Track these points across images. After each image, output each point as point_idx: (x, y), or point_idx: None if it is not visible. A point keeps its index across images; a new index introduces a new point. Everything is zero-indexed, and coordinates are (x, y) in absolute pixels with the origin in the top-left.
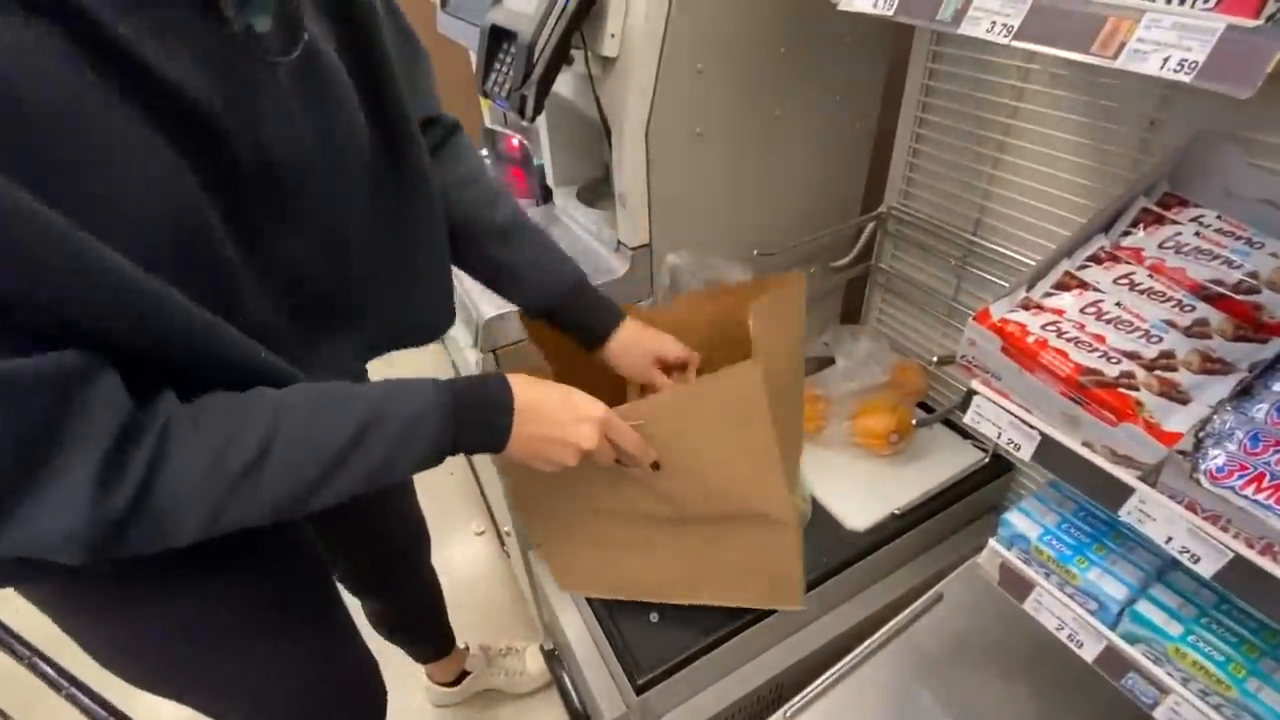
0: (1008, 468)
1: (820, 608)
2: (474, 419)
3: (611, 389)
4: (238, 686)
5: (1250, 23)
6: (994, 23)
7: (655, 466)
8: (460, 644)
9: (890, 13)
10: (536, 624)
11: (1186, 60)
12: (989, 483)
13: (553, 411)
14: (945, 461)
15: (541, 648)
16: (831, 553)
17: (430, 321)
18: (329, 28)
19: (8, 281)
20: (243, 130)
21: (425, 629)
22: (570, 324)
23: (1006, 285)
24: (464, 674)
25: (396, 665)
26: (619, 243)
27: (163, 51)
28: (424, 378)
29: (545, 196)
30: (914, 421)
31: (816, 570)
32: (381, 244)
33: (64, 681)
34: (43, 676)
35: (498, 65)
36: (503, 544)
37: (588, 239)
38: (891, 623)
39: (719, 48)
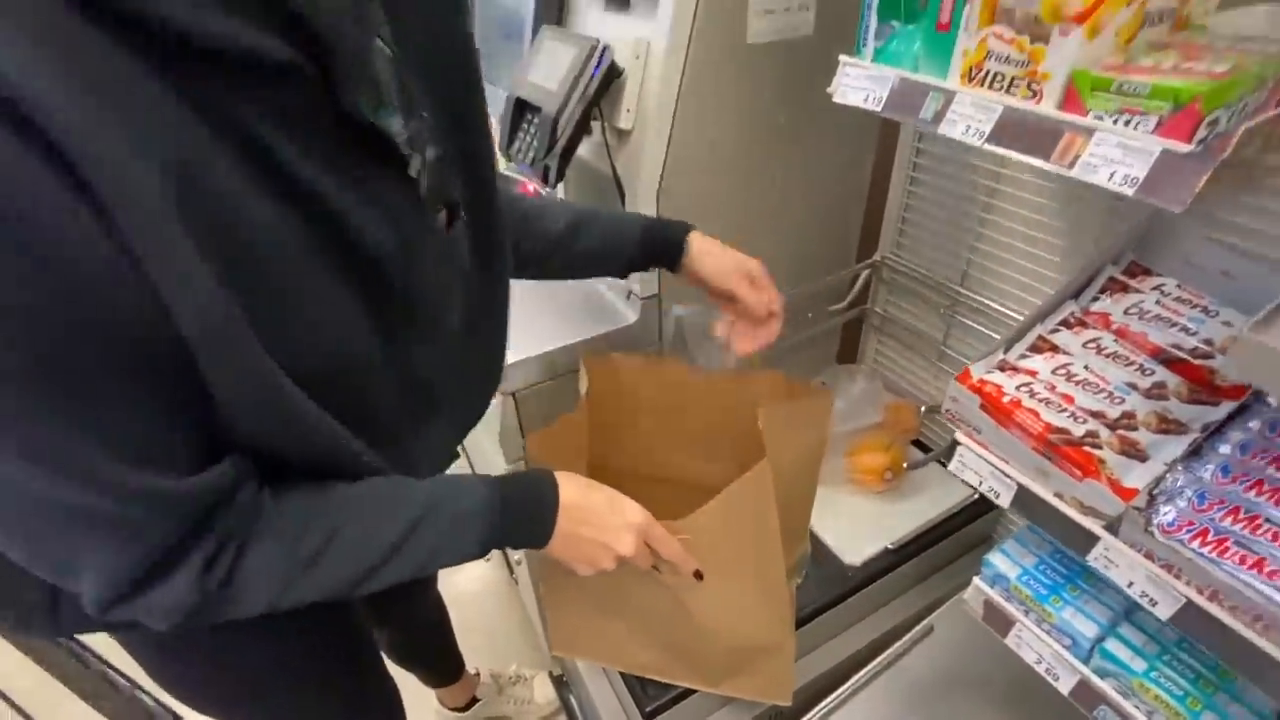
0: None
1: (818, 640)
2: (520, 517)
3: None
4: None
5: (1184, 147)
6: (968, 126)
7: (698, 576)
8: (471, 669)
9: (879, 109)
10: (544, 649)
11: (1129, 176)
12: (978, 518)
13: (597, 515)
14: (937, 497)
15: (550, 674)
16: (828, 587)
17: (486, 405)
18: (447, 142)
19: (212, 400)
20: (407, 272)
21: (436, 654)
22: (653, 260)
23: (992, 333)
24: (474, 700)
25: (409, 692)
26: (630, 292)
27: (359, 206)
28: (475, 476)
29: None
30: (905, 465)
31: (815, 604)
32: (474, 335)
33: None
34: (112, 684)
35: (521, 134)
36: (511, 571)
37: (600, 287)
38: (885, 654)
39: (724, 120)
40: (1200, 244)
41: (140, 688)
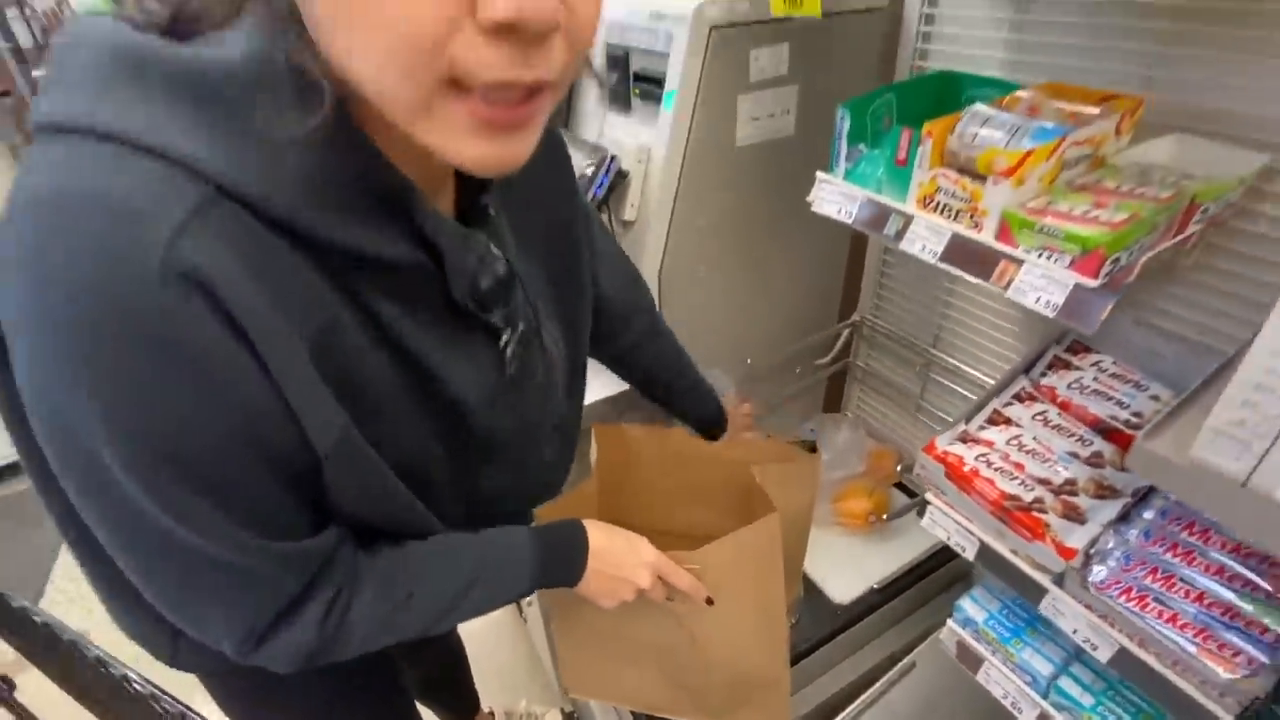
0: None
1: (811, 675)
2: (558, 561)
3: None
4: None
5: (1092, 283)
6: (924, 246)
7: (710, 602)
8: (485, 708)
9: (850, 222)
10: (554, 687)
11: (1051, 301)
12: (956, 557)
13: (620, 555)
14: (918, 538)
15: (561, 711)
16: (819, 625)
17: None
18: (544, 268)
19: (345, 494)
20: (488, 420)
21: (455, 691)
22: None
23: (963, 390)
24: None
25: None
26: None
27: (451, 363)
28: (519, 528)
29: None
30: (884, 517)
31: (808, 642)
32: (550, 462)
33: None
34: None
35: None
36: (520, 610)
37: None
38: (871, 689)
39: (716, 211)
40: (1131, 327)
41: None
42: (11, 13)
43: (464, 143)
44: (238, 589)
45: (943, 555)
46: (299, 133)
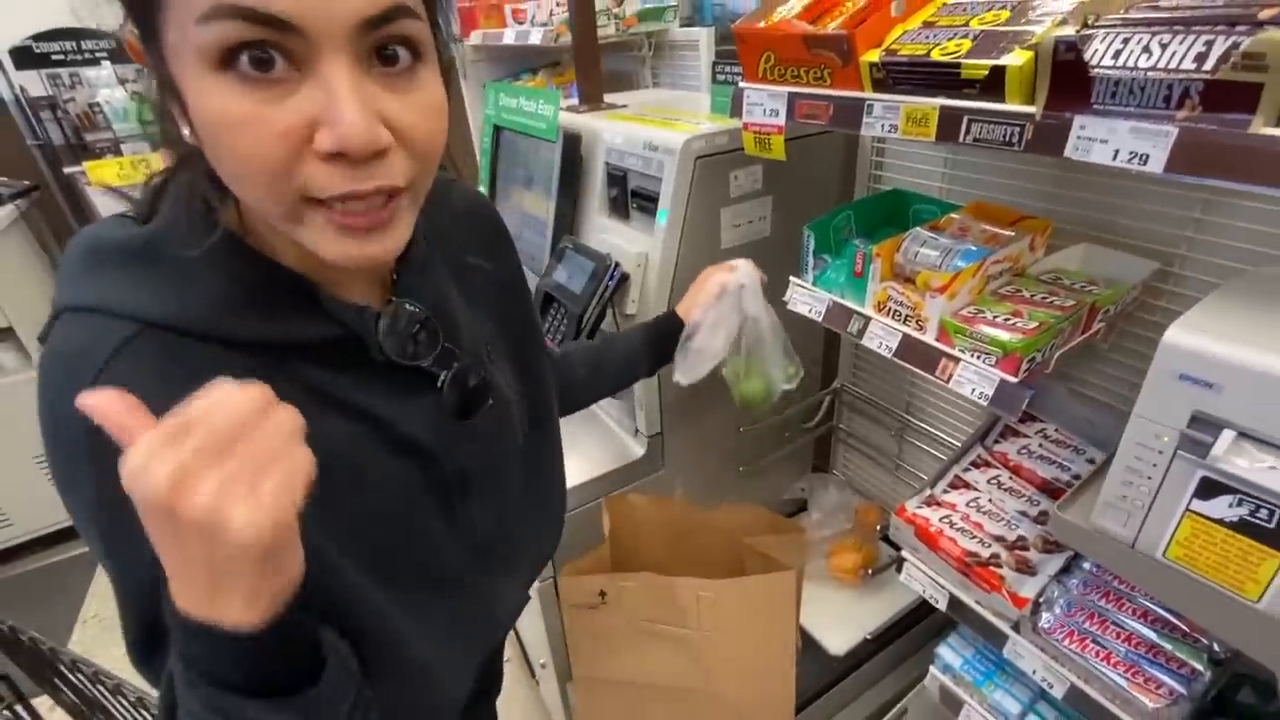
0: None
1: None
2: None
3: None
4: None
5: (1013, 379)
6: (881, 343)
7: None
8: None
9: (820, 320)
10: None
11: (983, 393)
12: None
13: None
14: (906, 589)
15: None
16: (817, 677)
17: (555, 543)
18: (494, 317)
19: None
20: (450, 454)
21: None
22: (667, 354)
23: (935, 451)
24: None
25: None
26: (637, 430)
27: (402, 413)
28: None
29: None
30: (869, 571)
31: (807, 693)
32: (531, 493)
33: None
34: None
35: (549, 318)
36: (533, 674)
37: (613, 425)
38: None
39: None
40: (1067, 397)
41: None
42: (46, 114)
43: (331, 244)
44: None
45: (928, 605)
46: (200, 252)
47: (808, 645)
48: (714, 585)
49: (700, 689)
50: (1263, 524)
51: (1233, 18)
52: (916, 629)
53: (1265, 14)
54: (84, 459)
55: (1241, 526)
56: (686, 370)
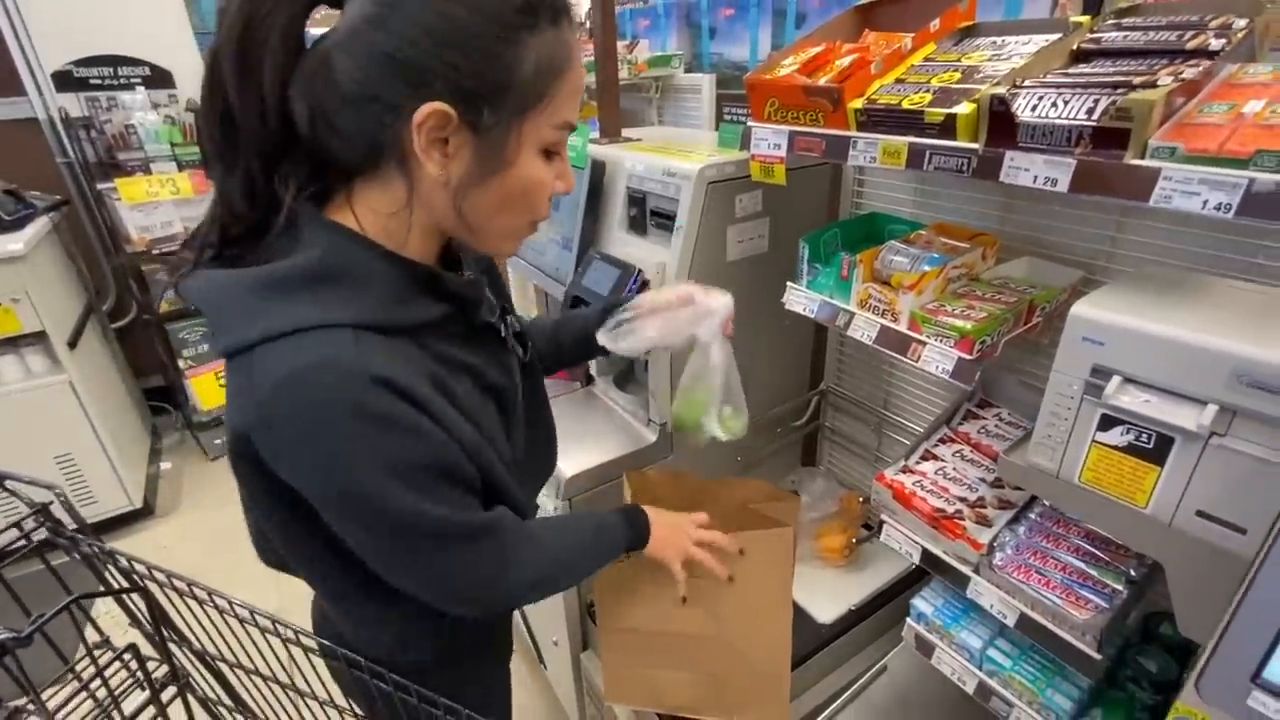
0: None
1: (805, 684)
2: (635, 525)
3: None
4: None
5: (968, 356)
6: (863, 333)
7: (731, 579)
8: None
9: (813, 315)
10: None
11: (944, 369)
12: (917, 582)
13: (670, 518)
14: (884, 569)
15: None
16: (806, 641)
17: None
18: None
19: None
20: (514, 393)
21: None
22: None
23: (906, 443)
24: None
25: None
26: (649, 419)
27: (489, 365)
28: (606, 511)
29: (588, 381)
30: (854, 541)
31: (796, 654)
32: (535, 425)
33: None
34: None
35: None
36: (540, 658)
37: (625, 415)
38: (851, 689)
39: None
40: (1018, 387)
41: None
42: (81, 134)
43: (508, 245)
44: (464, 545)
45: (907, 580)
46: (382, 271)
47: (799, 615)
48: (732, 538)
49: (713, 636)
50: (1144, 446)
51: (1115, 83)
52: (893, 604)
53: (1136, 80)
54: (370, 435)
55: (1130, 450)
56: (607, 334)
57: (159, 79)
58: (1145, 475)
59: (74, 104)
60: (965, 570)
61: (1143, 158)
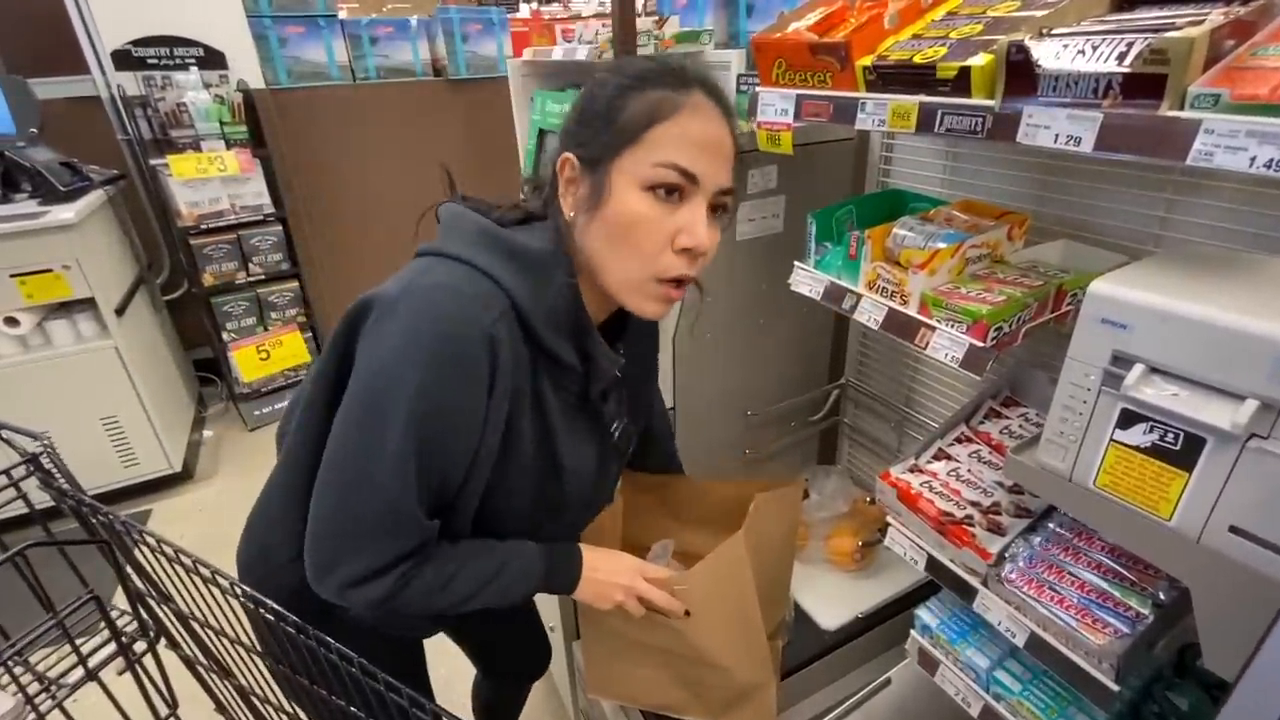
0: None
1: (805, 690)
2: (560, 570)
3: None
4: None
5: (981, 344)
6: (870, 316)
7: (687, 614)
8: None
9: (819, 298)
10: (570, 713)
11: (954, 356)
12: (931, 595)
13: (609, 568)
14: (898, 577)
15: None
16: (808, 646)
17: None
18: (638, 370)
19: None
20: (574, 487)
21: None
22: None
23: None
24: None
25: None
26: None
27: (567, 436)
28: (535, 544)
29: None
30: (860, 543)
31: (797, 660)
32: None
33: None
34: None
35: None
36: None
37: None
38: (851, 700)
39: (724, 289)
40: (1050, 385)
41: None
42: (138, 111)
43: (649, 305)
44: (383, 532)
45: (920, 592)
46: (560, 282)
47: (801, 619)
48: (686, 578)
49: (689, 651)
50: (1170, 447)
51: (1155, 27)
52: (905, 615)
53: (1181, 22)
54: (435, 362)
55: (1153, 452)
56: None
57: (211, 60)
58: (1170, 482)
59: (131, 83)
60: (972, 581)
61: (1181, 108)
